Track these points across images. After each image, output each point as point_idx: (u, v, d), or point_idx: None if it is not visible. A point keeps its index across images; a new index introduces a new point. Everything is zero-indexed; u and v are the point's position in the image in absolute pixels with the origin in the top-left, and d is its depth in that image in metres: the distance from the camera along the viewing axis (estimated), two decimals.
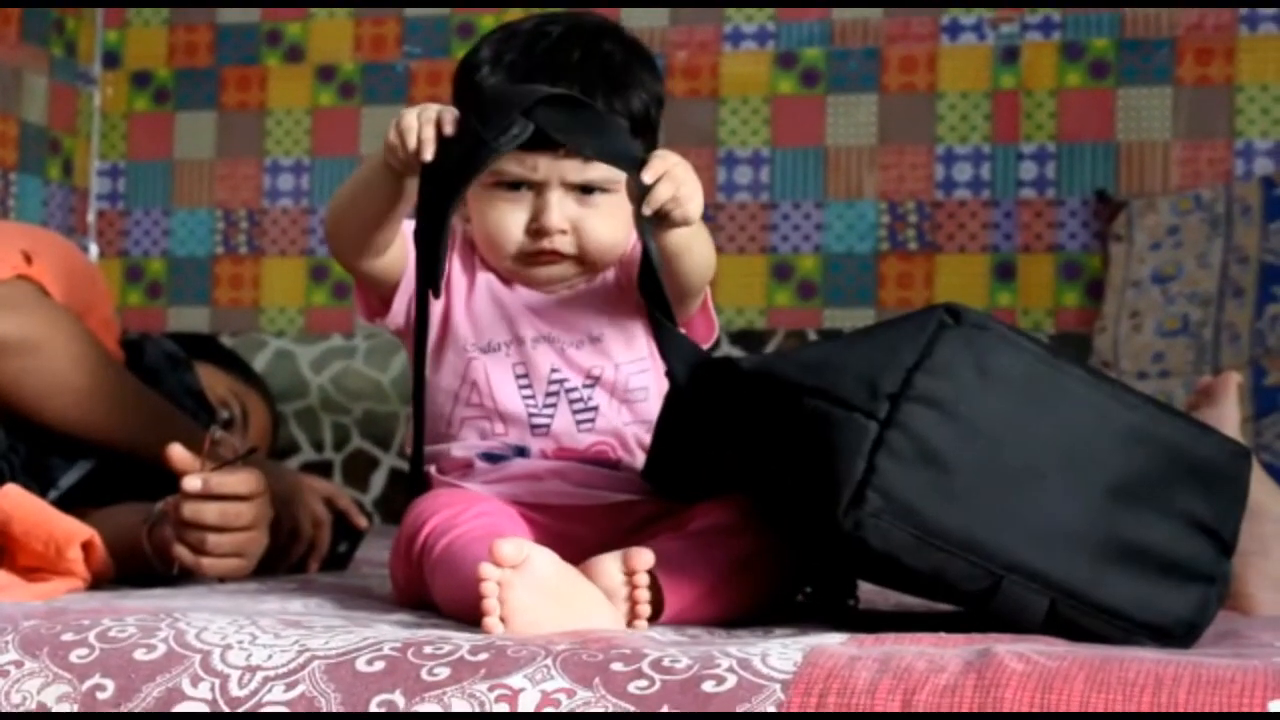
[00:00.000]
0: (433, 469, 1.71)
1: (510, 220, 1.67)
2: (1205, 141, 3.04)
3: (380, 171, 1.59)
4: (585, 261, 1.68)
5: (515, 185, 1.66)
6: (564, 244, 1.66)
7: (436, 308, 1.71)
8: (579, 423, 1.68)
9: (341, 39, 3.40)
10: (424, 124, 1.54)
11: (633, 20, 3.22)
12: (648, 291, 1.58)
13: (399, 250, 1.66)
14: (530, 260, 1.68)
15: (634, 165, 1.54)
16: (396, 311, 1.70)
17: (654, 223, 1.55)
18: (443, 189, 1.55)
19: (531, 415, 1.68)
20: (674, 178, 1.53)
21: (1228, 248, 2.89)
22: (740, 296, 3.17)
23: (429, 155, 1.54)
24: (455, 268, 1.72)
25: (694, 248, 1.61)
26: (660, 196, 1.52)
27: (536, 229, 1.66)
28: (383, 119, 3.34)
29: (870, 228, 3.15)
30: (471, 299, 1.71)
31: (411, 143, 1.54)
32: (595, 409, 1.68)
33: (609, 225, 1.67)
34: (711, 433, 1.53)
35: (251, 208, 3.42)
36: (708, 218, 3.18)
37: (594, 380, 1.69)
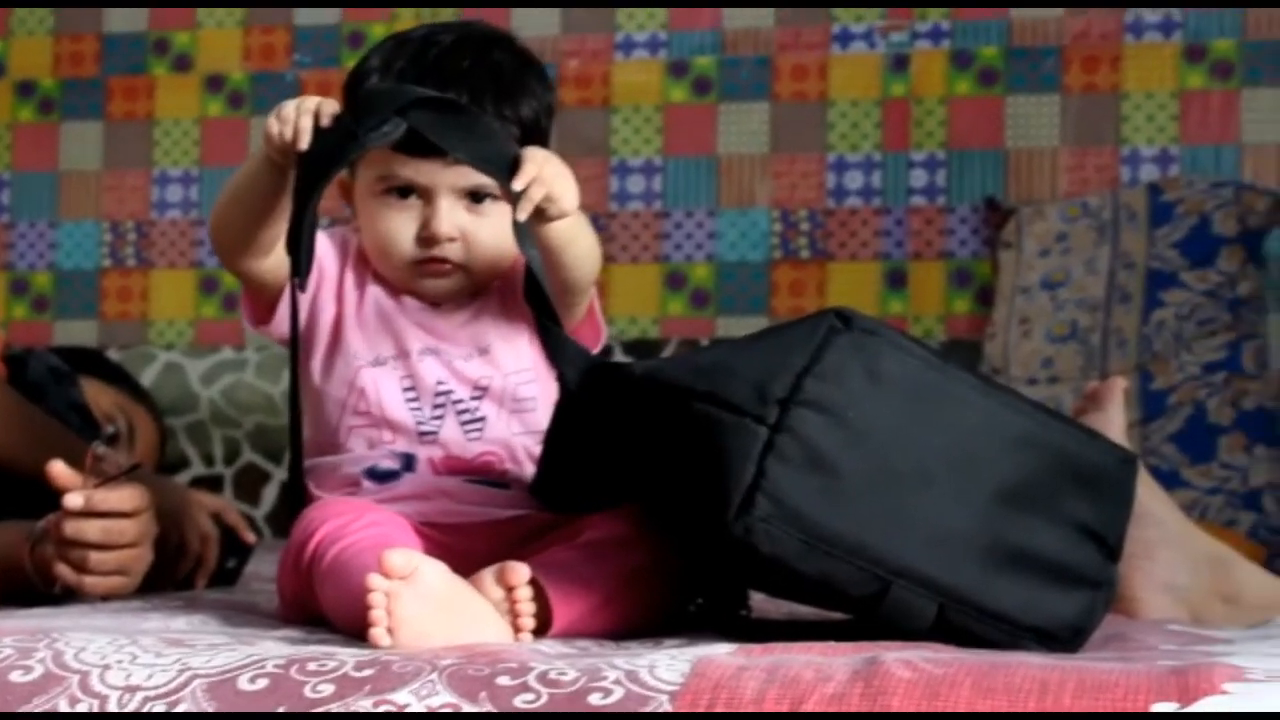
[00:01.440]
0: (312, 485, 1.69)
1: (400, 228, 1.66)
2: (1092, 148, 3.07)
3: (261, 164, 1.59)
4: (472, 272, 1.68)
5: (405, 193, 1.66)
6: (453, 251, 1.66)
7: (327, 317, 1.70)
8: (467, 432, 1.68)
9: (230, 48, 3.37)
10: (302, 114, 1.54)
11: (524, 29, 3.21)
12: (533, 299, 1.57)
13: (284, 254, 1.64)
14: (420, 270, 1.67)
15: (504, 170, 1.54)
16: (281, 318, 1.68)
17: (532, 219, 1.55)
18: (309, 179, 1.55)
19: (419, 424, 1.67)
20: (544, 179, 1.53)
21: (1115, 254, 2.92)
22: (633, 305, 3.17)
23: (304, 144, 1.54)
24: (348, 280, 1.72)
25: (577, 239, 1.62)
26: (533, 198, 1.53)
27: (426, 236, 1.65)
28: None
29: (763, 236, 3.16)
30: (361, 311, 1.70)
31: (289, 132, 1.54)
32: (483, 419, 1.68)
33: (497, 234, 1.67)
34: (603, 438, 1.53)
35: (139, 219, 3.38)
36: (600, 227, 3.18)
37: (482, 391, 1.68)
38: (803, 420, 1.39)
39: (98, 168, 3.40)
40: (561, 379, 1.55)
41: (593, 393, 1.53)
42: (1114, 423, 1.90)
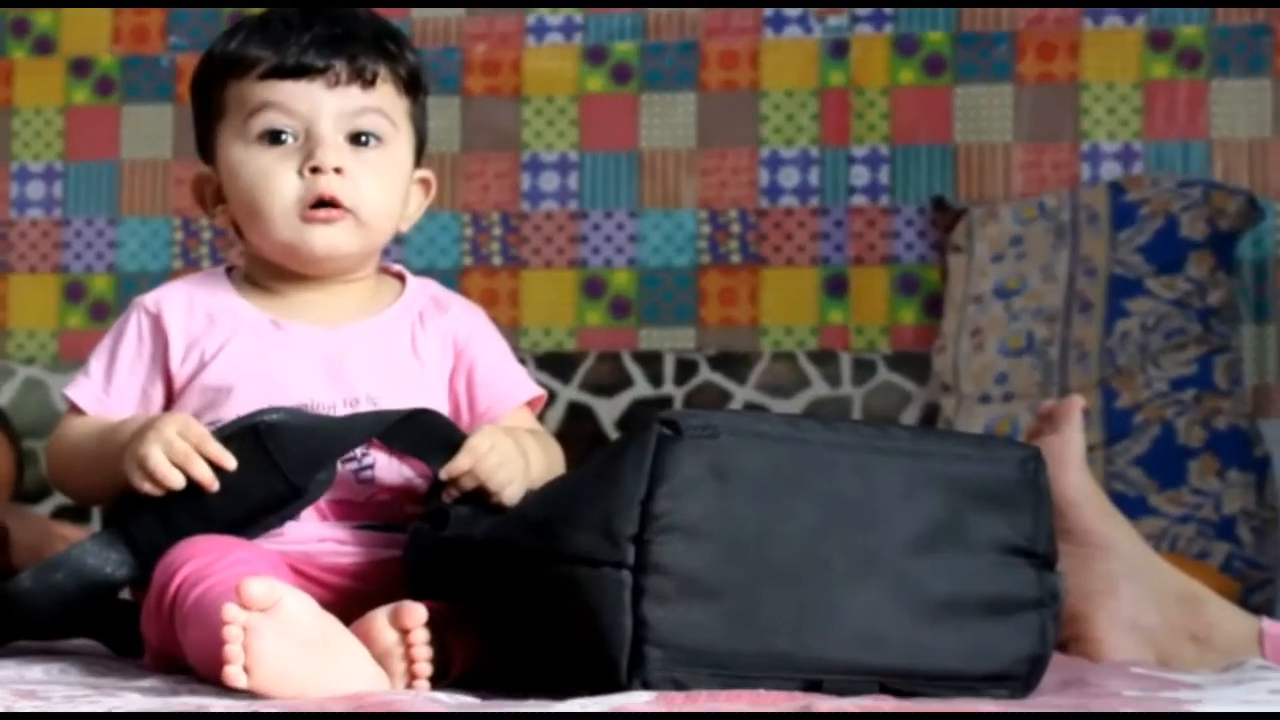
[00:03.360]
0: None
1: (280, 170, 1.66)
2: (1049, 144, 3.08)
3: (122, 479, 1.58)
4: (363, 221, 1.67)
5: (279, 138, 1.66)
6: (340, 188, 1.65)
7: (185, 373, 1.68)
8: (357, 474, 1.65)
9: (98, 29, 3.33)
10: (190, 463, 1.54)
11: (426, 10, 3.20)
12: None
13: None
14: (308, 218, 1.65)
15: (441, 454, 1.57)
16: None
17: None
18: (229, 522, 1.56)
19: None
20: (480, 472, 1.55)
21: (1074, 259, 2.93)
22: (547, 315, 3.16)
23: (213, 487, 1.55)
24: (214, 321, 1.70)
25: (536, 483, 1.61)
26: (463, 487, 1.55)
27: (313, 167, 1.65)
28: (146, 119, 3.29)
29: (689, 239, 3.16)
30: (231, 354, 1.68)
31: (178, 483, 1.54)
32: (372, 465, 1.65)
33: (380, 181, 1.68)
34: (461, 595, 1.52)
35: None
36: (510, 228, 3.17)
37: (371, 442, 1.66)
38: (663, 549, 1.35)
39: None
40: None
41: (439, 567, 1.52)
42: (1072, 445, 1.90)
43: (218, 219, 1.73)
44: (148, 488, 1.55)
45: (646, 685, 1.35)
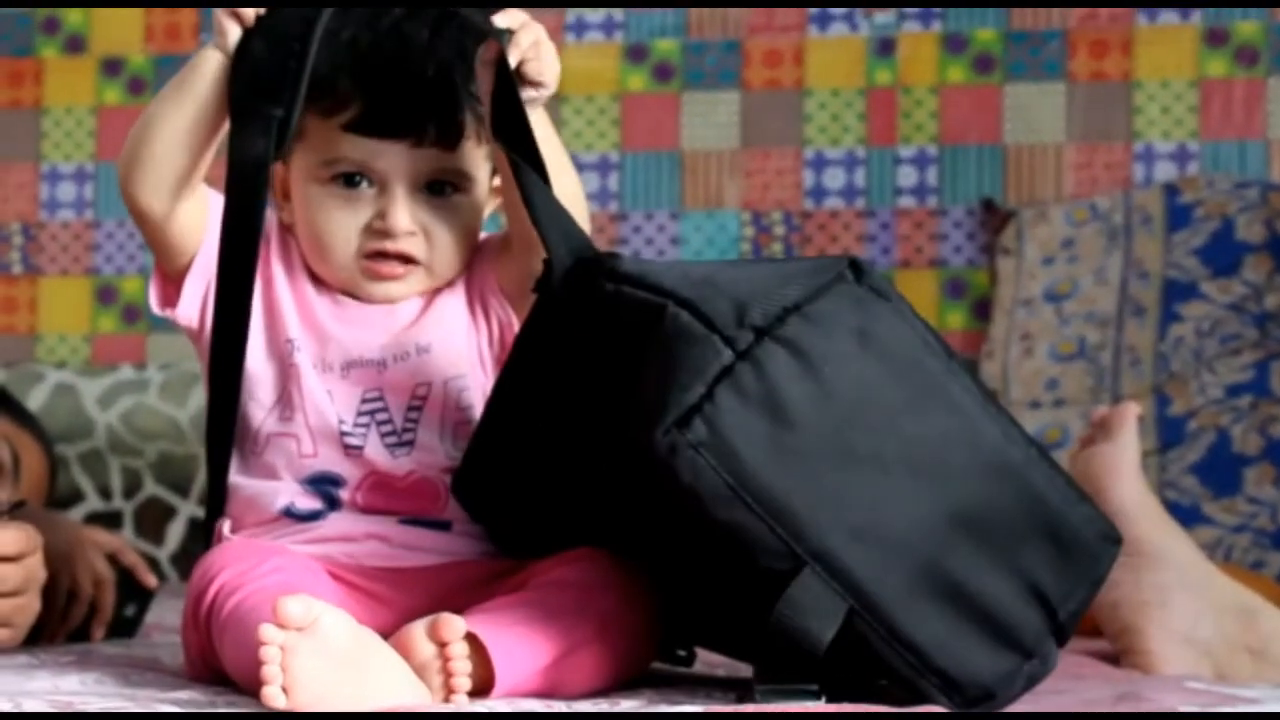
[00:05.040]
0: (226, 526, 1.67)
1: (347, 219, 1.65)
2: (1101, 144, 3.08)
3: (210, 63, 1.58)
4: (434, 272, 1.68)
5: (353, 181, 1.65)
6: (413, 246, 1.65)
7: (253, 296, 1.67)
8: (392, 450, 1.65)
9: (130, 28, 3.35)
10: None
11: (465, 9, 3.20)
12: (510, 136, 1.57)
13: (200, 210, 1.63)
14: (369, 270, 1.65)
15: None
16: (188, 301, 1.66)
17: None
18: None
19: (344, 435, 1.65)
20: (531, 27, 1.57)
21: (1127, 262, 2.93)
22: None
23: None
24: (273, 257, 1.69)
25: (562, 169, 1.61)
26: (521, 44, 1.55)
27: (381, 229, 1.64)
28: None
29: (732, 241, 3.16)
30: (295, 293, 1.69)
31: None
32: (411, 442, 1.66)
33: (459, 232, 1.67)
34: (565, 366, 1.53)
35: (27, 221, 3.36)
36: None
37: (420, 400, 1.66)
38: (773, 356, 1.40)
39: None
40: (549, 263, 1.54)
41: (575, 290, 1.52)
42: (1127, 453, 1.90)
43: (282, 213, 1.73)
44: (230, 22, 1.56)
45: (673, 451, 1.38)
